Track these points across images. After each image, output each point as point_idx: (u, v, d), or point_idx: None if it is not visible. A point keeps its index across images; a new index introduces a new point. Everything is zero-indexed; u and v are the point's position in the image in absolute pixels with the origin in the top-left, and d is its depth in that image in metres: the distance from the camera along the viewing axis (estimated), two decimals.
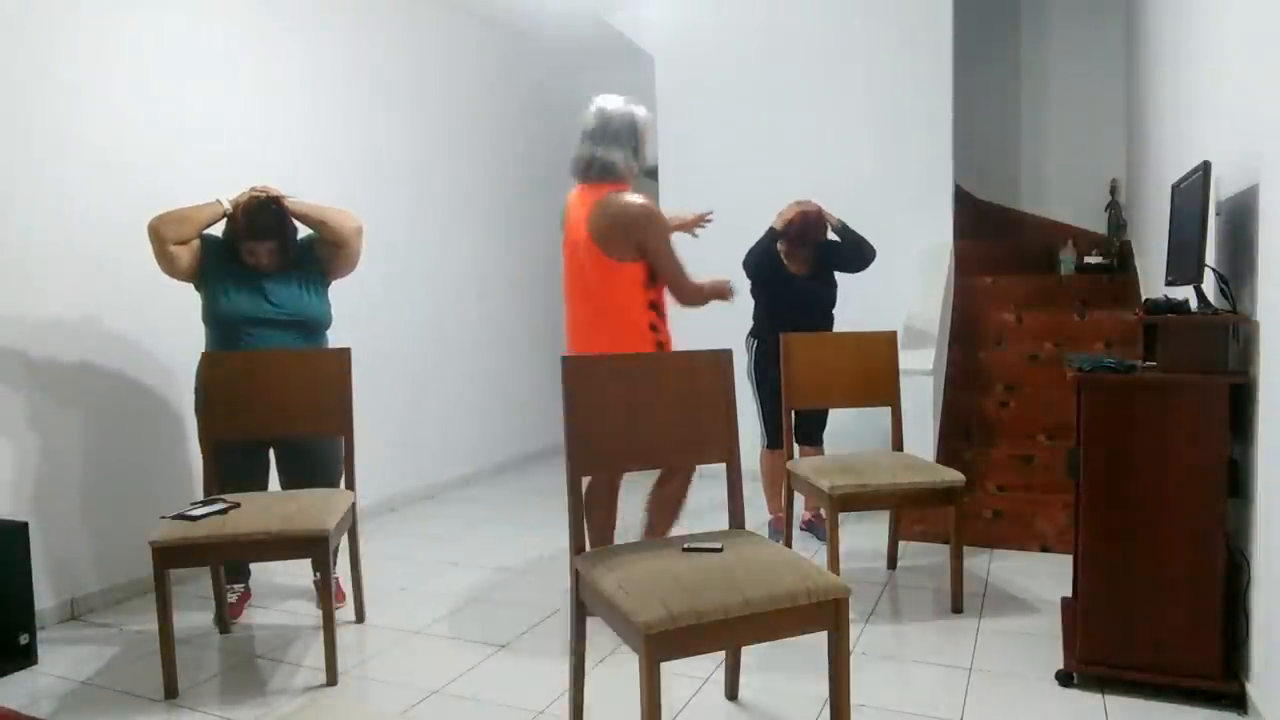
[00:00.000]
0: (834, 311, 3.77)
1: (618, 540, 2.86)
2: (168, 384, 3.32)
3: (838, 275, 3.76)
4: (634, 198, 2.76)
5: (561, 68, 6.20)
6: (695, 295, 2.85)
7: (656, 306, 2.84)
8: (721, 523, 2.21)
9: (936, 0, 4.42)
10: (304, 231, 2.97)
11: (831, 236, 3.69)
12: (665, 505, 2.99)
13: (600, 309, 2.80)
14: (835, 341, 3.38)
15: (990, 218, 5.61)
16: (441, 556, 3.64)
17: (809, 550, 3.54)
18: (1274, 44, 1.97)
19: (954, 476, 2.87)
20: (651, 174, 5.96)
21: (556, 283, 6.02)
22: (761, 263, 3.68)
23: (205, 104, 3.51)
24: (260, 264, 2.86)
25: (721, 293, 2.92)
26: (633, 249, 2.72)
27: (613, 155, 2.81)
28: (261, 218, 2.81)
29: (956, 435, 4.06)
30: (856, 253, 3.67)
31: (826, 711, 2.21)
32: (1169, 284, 2.55)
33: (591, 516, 2.70)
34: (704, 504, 3.85)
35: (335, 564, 2.87)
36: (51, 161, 2.95)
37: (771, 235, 3.63)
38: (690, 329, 3.09)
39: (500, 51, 5.47)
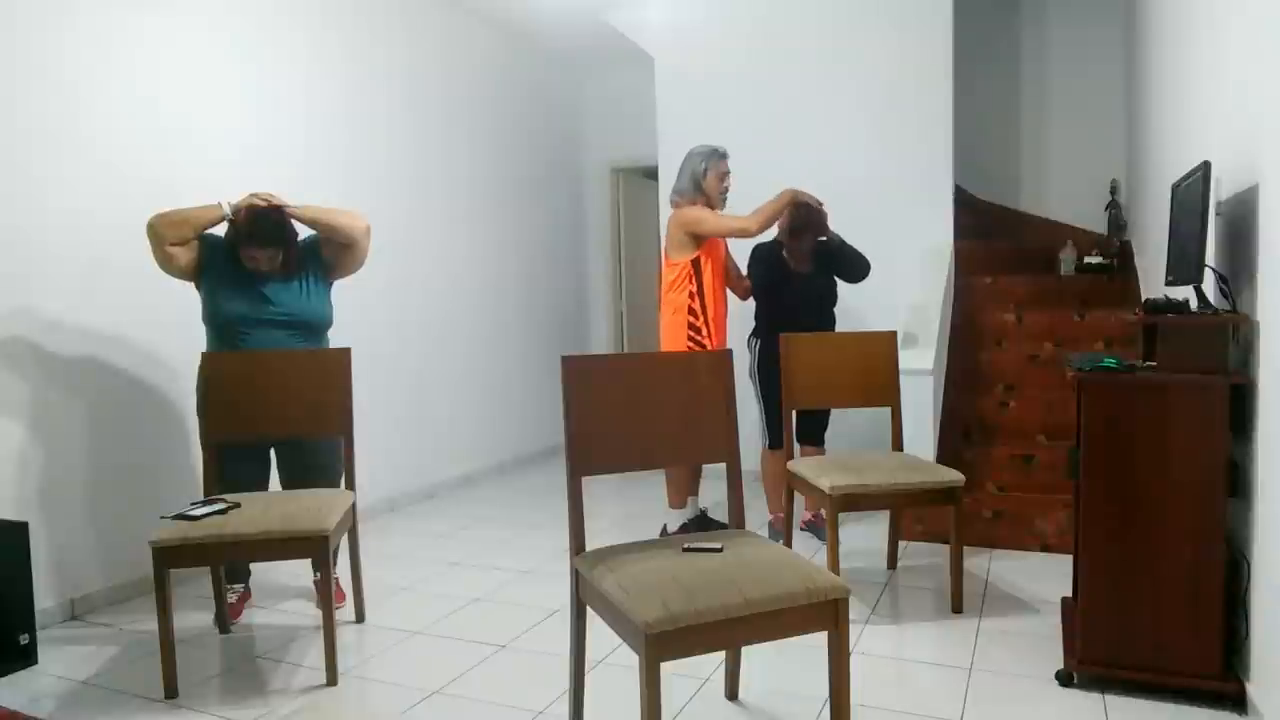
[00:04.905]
0: (835, 310, 3.78)
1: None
2: (168, 384, 3.32)
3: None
4: (684, 209, 3.58)
5: (561, 68, 6.21)
6: (750, 225, 3.50)
7: (696, 311, 3.53)
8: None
9: (937, 1, 4.42)
10: (306, 231, 2.97)
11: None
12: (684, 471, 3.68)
13: (662, 307, 3.65)
14: (835, 342, 3.38)
15: (990, 218, 5.61)
16: (441, 556, 3.64)
17: (809, 550, 3.54)
18: (1273, 44, 1.97)
19: (954, 476, 2.87)
20: (651, 174, 5.98)
21: (556, 282, 6.10)
22: (768, 261, 3.69)
23: (206, 104, 3.51)
24: (259, 269, 2.86)
25: (787, 202, 3.55)
26: (689, 244, 3.54)
27: (679, 184, 3.66)
28: (262, 226, 2.80)
29: (956, 435, 4.06)
30: (853, 264, 3.69)
31: (826, 711, 2.21)
32: (1169, 284, 2.55)
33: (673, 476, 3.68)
34: (704, 504, 3.85)
35: (335, 564, 2.87)
36: (51, 161, 2.95)
37: (777, 242, 3.66)
38: None
39: (500, 51, 5.48)
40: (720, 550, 1.94)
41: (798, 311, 3.64)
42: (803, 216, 3.56)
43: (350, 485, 2.85)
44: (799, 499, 3.54)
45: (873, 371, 3.30)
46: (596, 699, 2.26)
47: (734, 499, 2.17)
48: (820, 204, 3.59)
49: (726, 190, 3.64)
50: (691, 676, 2.42)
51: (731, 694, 2.31)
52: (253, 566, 3.17)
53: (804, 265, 3.68)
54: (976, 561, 3.39)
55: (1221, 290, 2.33)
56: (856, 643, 2.64)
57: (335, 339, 3.11)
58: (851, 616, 1.85)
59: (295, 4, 3.94)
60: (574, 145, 6.40)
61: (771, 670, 2.46)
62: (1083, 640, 2.29)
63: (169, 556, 2.32)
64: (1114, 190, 5.28)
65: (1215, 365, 2.17)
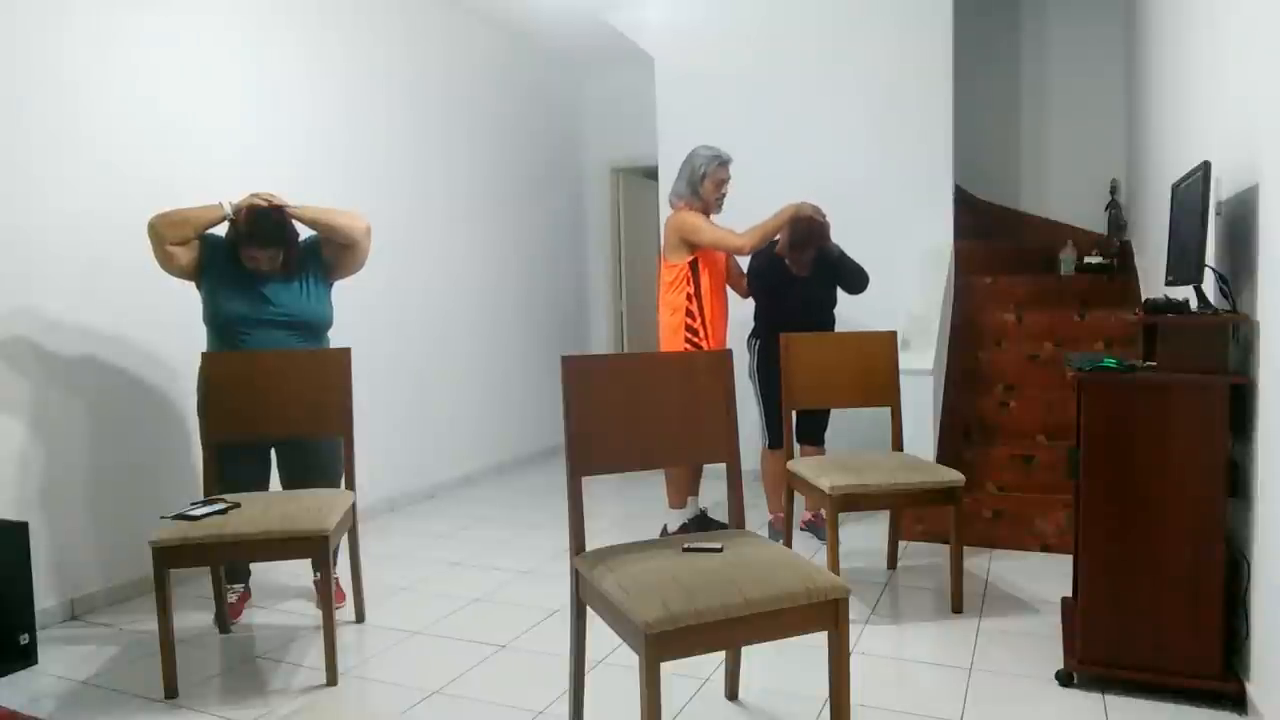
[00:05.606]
0: (834, 312, 3.78)
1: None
2: (169, 384, 3.32)
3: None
4: (681, 213, 3.58)
5: (561, 68, 6.21)
6: (747, 241, 3.51)
7: (694, 312, 3.55)
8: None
9: (937, 1, 4.43)
10: (307, 232, 2.96)
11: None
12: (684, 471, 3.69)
13: (660, 308, 3.67)
14: (835, 341, 3.38)
15: (990, 218, 5.61)
16: (441, 556, 3.64)
17: (809, 550, 3.54)
18: (1273, 44, 1.97)
19: (954, 476, 2.87)
20: (651, 174, 5.98)
21: (557, 282, 6.10)
22: (767, 267, 3.69)
23: (206, 104, 3.51)
24: (260, 269, 2.86)
25: (786, 220, 3.53)
26: (685, 248, 3.55)
27: (677, 186, 3.67)
28: (262, 226, 2.79)
29: (956, 435, 4.06)
30: (853, 277, 3.70)
31: (826, 711, 2.21)
32: (1169, 284, 2.55)
33: (673, 475, 3.69)
34: (704, 504, 3.85)
35: (335, 564, 2.87)
36: (51, 161, 2.95)
37: (773, 246, 3.65)
38: None
39: (500, 51, 5.48)
40: (720, 550, 1.94)
41: (797, 313, 3.64)
42: (804, 230, 3.54)
43: (350, 485, 2.85)
44: (799, 499, 3.54)
45: (873, 371, 3.30)
46: (596, 699, 2.26)
47: (734, 499, 2.17)
48: (823, 215, 3.58)
49: (723, 197, 3.65)
50: (691, 676, 2.42)
51: (731, 694, 2.31)
52: (253, 566, 3.17)
53: (804, 270, 3.68)
54: (976, 561, 3.39)
55: (1221, 290, 2.33)
56: (856, 643, 2.64)
57: (335, 339, 3.11)
58: (851, 616, 1.86)
59: (295, 4, 3.94)
60: (574, 145, 6.40)
61: (771, 670, 2.47)
62: (1083, 640, 2.29)
63: (169, 556, 2.32)
64: (1114, 190, 5.28)
65: (1215, 365, 2.17)
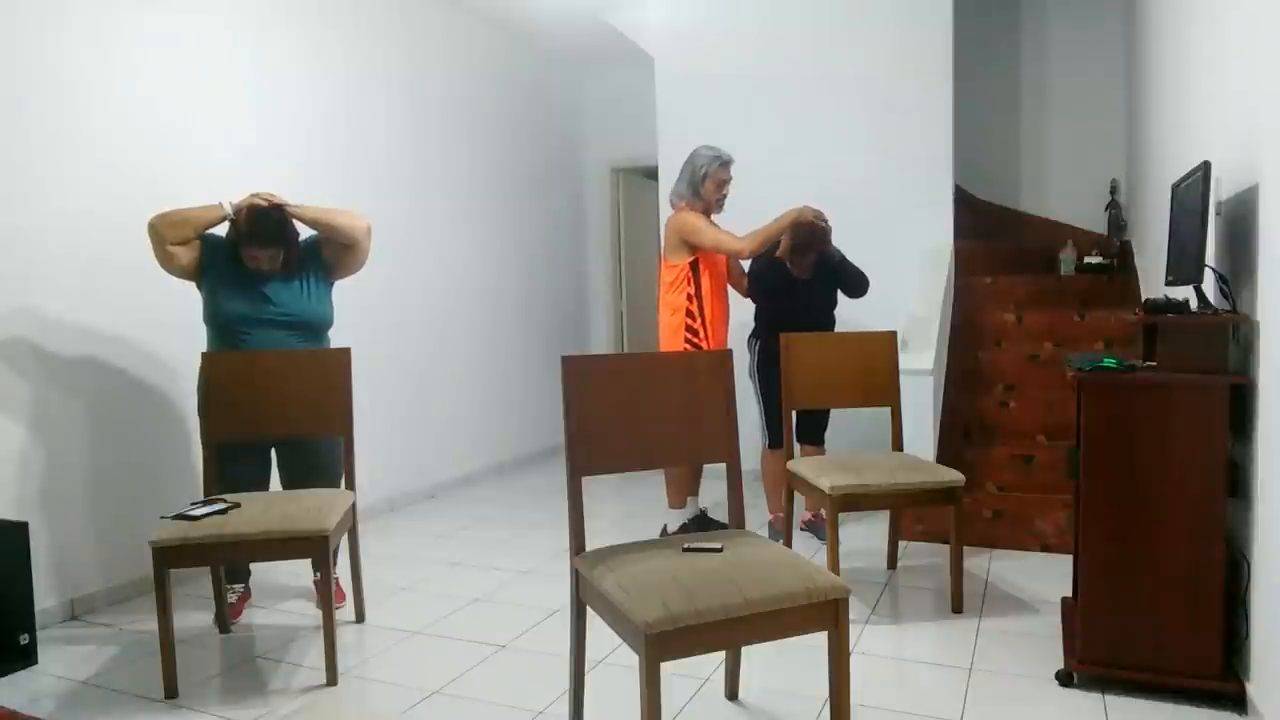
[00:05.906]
0: (834, 313, 3.78)
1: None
2: (168, 384, 3.32)
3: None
4: (682, 214, 3.58)
5: (561, 68, 6.21)
6: (747, 245, 3.49)
7: (694, 313, 3.55)
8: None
9: (937, 1, 4.43)
10: (307, 231, 2.96)
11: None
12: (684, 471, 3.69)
13: (660, 308, 3.67)
14: (835, 341, 3.38)
15: (990, 218, 5.61)
16: (441, 556, 3.64)
17: (809, 550, 3.54)
18: (1273, 43, 1.97)
19: (954, 476, 2.87)
20: (651, 174, 5.98)
21: (557, 282, 6.10)
22: (768, 270, 3.69)
23: (206, 104, 3.51)
24: (260, 269, 2.85)
25: (787, 225, 3.52)
26: (685, 249, 3.55)
27: (678, 187, 3.67)
28: (263, 225, 2.80)
29: (956, 435, 4.06)
30: (854, 282, 3.71)
31: (826, 711, 2.21)
32: (1169, 284, 2.55)
33: (673, 475, 3.69)
34: (704, 504, 3.85)
35: (335, 564, 2.87)
36: (51, 161, 2.95)
37: (774, 249, 3.65)
38: None
39: (500, 51, 5.48)
40: (720, 550, 1.94)
41: (798, 315, 3.64)
42: (805, 236, 3.54)
43: (350, 485, 2.85)
44: (799, 499, 3.54)
45: (873, 371, 3.30)
46: (596, 699, 2.26)
47: (734, 499, 2.17)
48: (825, 221, 3.57)
49: (724, 197, 3.65)
50: (691, 676, 2.42)
51: (731, 694, 2.31)
52: (253, 566, 3.17)
53: (805, 273, 3.68)
54: (976, 561, 3.39)
55: (1221, 290, 2.33)
56: (856, 643, 2.64)
57: (335, 339, 3.11)
58: (851, 616, 1.86)
59: (295, 4, 3.94)
60: (574, 145, 6.40)
61: (771, 670, 2.47)
62: (1083, 640, 2.29)
63: (169, 556, 2.32)
64: (1114, 190, 5.28)
65: (1215, 365, 2.17)
